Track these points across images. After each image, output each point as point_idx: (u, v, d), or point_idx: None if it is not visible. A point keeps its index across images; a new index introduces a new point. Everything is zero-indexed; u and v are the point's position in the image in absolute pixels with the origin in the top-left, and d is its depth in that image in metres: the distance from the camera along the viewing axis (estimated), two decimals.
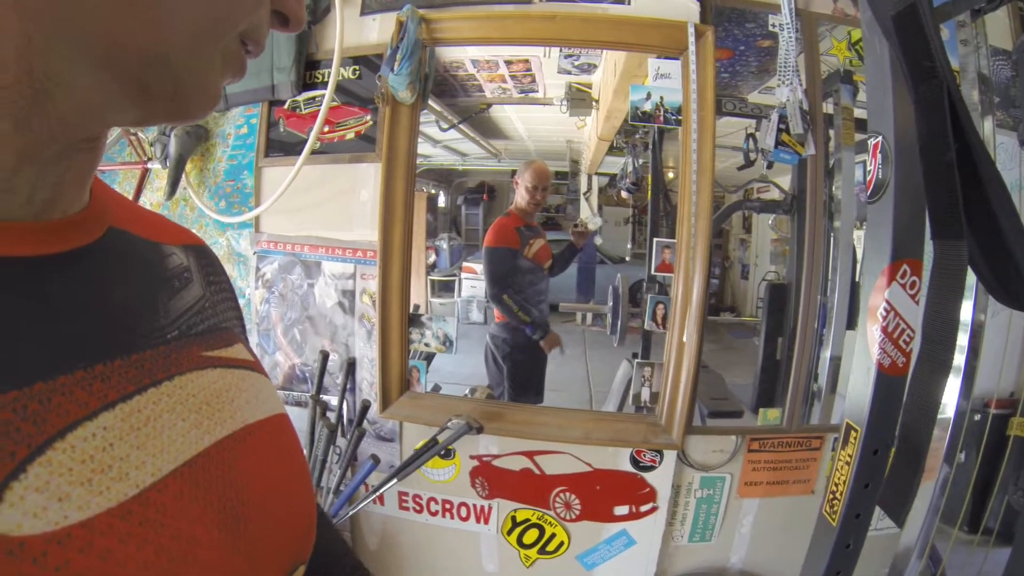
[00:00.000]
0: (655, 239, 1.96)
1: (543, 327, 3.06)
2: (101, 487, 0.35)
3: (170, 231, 0.58)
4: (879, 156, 1.07)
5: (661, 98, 1.85)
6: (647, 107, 1.86)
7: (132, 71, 0.37)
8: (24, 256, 0.37)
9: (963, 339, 1.79)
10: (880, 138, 1.06)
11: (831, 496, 1.22)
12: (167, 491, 0.39)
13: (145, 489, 0.37)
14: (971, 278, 1.71)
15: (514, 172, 3.21)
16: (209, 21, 0.40)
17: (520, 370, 3.11)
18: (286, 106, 2.10)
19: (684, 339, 1.88)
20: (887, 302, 1.06)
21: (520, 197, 3.09)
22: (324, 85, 1.98)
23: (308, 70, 2.08)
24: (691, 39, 1.77)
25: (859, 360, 1.15)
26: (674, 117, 1.86)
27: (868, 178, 1.11)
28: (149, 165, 2.29)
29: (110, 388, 0.38)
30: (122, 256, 0.48)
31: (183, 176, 2.21)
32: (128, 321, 0.44)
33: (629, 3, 1.85)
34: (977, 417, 1.96)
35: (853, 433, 1.15)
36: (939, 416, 1.80)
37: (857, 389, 1.15)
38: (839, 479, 1.19)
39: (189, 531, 0.39)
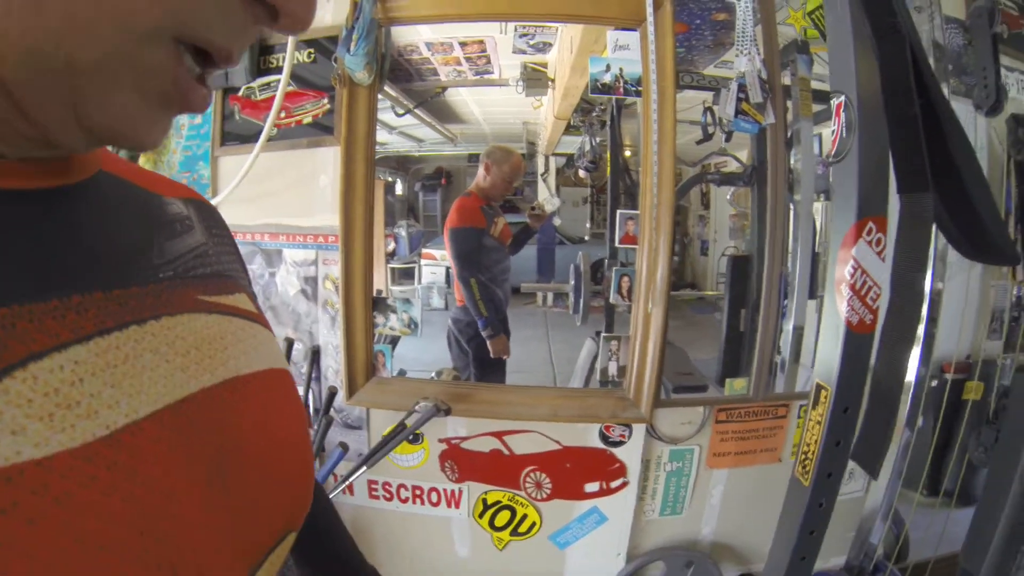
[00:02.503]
0: (618, 211, 1.96)
1: (496, 327, 3.04)
2: (64, 424, 0.31)
3: (169, 185, 0.55)
4: (843, 115, 1.07)
5: (620, 69, 1.84)
6: (607, 79, 1.85)
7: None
8: (3, 188, 0.34)
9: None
10: (843, 97, 1.07)
11: (803, 457, 1.23)
12: (143, 435, 0.35)
13: (117, 431, 0.34)
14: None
15: (471, 156, 3.19)
16: (64, 24, 0.30)
17: (487, 352, 3.09)
18: (240, 93, 2.04)
19: (649, 310, 1.88)
20: (854, 260, 1.07)
21: (491, 184, 3.07)
22: (279, 70, 1.93)
23: (262, 55, 2.03)
24: (649, 9, 1.76)
25: (827, 320, 1.16)
26: (634, 88, 1.85)
27: (832, 138, 1.11)
28: None
29: (86, 321, 0.35)
30: (114, 197, 0.44)
31: None
32: (116, 256, 0.41)
33: None
34: (934, 383, 2.00)
35: (824, 392, 1.16)
36: None
37: (826, 349, 1.16)
38: (810, 439, 1.20)
39: (166, 482, 0.36)
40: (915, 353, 1.87)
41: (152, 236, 0.46)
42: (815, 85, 1.97)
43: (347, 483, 1.97)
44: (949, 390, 2.02)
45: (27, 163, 0.36)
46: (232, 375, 0.46)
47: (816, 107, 1.97)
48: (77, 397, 0.32)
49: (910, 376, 1.87)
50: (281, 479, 0.48)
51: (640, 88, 1.85)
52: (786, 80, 1.94)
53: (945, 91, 1.70)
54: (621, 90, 1.86)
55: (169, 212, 0.50)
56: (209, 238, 0.54)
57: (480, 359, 3.09)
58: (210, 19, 0.35)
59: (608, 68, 1.84)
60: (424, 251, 5.36)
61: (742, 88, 1.82)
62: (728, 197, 3.35)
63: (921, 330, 1.87)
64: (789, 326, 2.05)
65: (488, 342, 3.02)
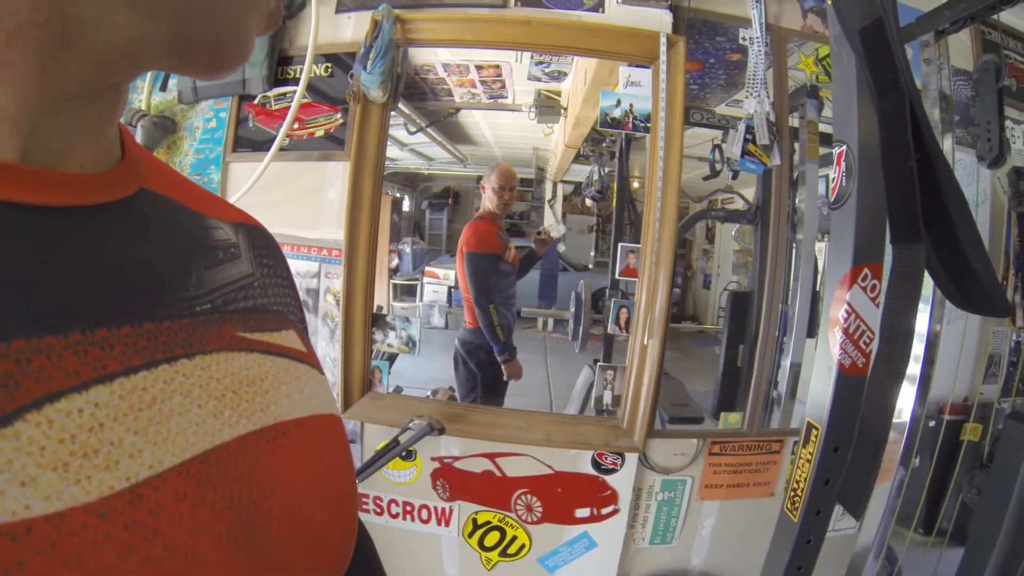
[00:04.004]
0: (620, 244, 1.99)
1: (511, 351, 3.07)
2: (79, 475, 0.28)
3: (219, 205, 0.51)
4: (843, 164, 1.11)
5: (631, 105, 1.88)
6: (616, 113, 1.88)
7: (175, 21, 0.35)
8: (31, 203, 0.31)
9: (919, 348, 1.85)
10: (845, 147, 1.10)
11: (792, 494, 1.25)
12: (166, 489, 0.32)
13: (137, 484, 0.30)
14: (928, 290, 1.79)
15: (479, 178, 3.22)
16: None
17: (494, 376, 3.12)
18: (256, 101, 2.07)
19: (646, 342, 1.90)
20: (848, 304, 1.10)
21: (489, 200, 3.11)
22: (296, 82, 1.96)
23: (280, 66, 2.06)
24: (663, 48, 1.81)
25: (820, 360, 1.19)
26: (643, 124, 1.89)
27: (832, 186, 1.14)
28: None
29: (111, 358, 0.32)
30: (153, 219, 0.41)
31: None
32: (148, 286, 0.37)
33: (603, 11, 1.88)
34: (932, 423, 2.01)
35: (814, 432, 1.18)
36: (895, 421, 1.85)
37: (818, 389, 1.19)
38: (800, 477, 1.22)
39: (189, 543, 0.32)
40: (911, 393, 1.89)
41: (190, 264, 0.42)
42: (823, 128, 2.00)
43: None
44: (946, 431, 2.03)
45: (61, 175, 0.34)
46: (271, 422, 0.42)
47: (823, 150, 2.01)
48: (96, 445, 0.29)
49: (905, 416, 1.89)
50: (319, 538, 0.43)
51: (648, 124, 1.89)
52: (795, 123, 1.98)
53: (950, 142, 1.74)
54: (630, 125, 1.89)
55: (212, 237, 0.47)
56: (257, 268, 0.50)
57: (487, 382, 3.11)
58: None
59: (619, 103, 1.88)
60: (427, 269, 5.37)
61: (750, 129, 1.85)
62: (733, 233, 3.39)
63: (917, 370, 1.89)
64: (787, 363, 2.07)
65: (504, 366, 3.05)
